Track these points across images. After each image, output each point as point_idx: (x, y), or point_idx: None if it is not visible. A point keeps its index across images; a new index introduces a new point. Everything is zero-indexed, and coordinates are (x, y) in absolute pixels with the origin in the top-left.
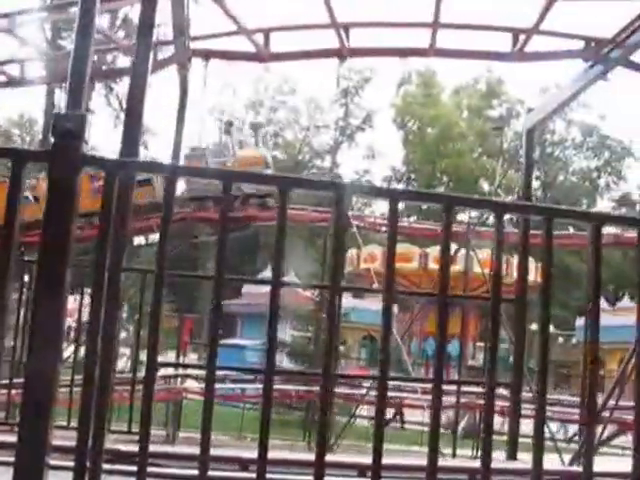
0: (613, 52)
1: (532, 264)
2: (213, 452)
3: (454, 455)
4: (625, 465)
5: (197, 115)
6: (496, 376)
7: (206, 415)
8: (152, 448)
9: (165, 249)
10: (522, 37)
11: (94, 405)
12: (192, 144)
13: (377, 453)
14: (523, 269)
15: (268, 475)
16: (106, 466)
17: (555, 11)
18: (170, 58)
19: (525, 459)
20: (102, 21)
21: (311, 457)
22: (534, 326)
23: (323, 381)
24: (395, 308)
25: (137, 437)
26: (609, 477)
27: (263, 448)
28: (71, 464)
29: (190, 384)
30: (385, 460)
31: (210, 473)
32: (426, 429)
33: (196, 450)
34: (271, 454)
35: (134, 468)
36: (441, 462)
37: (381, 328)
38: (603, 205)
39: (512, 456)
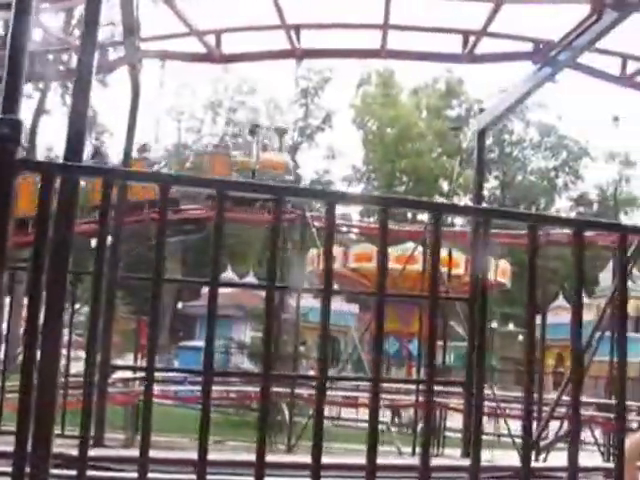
0: (561, 54)
1: (491, 263)
2: (167, 454)
3: (413, 453)
4: (582, 459)
5: (154, 115)
6: (435, 373)
7: (146, 416)
8: (109, 452)
9: (104, 252)
10: (472, 39)
11: (34, 408)
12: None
13: (317, 449)
14: (475, 269)
15: (219, 477)
16: (54, 471)
17: (504, 14)
18: (120, 59)
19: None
20: (57, 21)
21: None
22: (494, 324)
23: (263, 381)
24: (356, 307)
25: (91, 441)
26: (561, 471)
27: (202, 450)
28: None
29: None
30: (335, 459)
31: (161, 476)
32: (385, 427)
33: (155, 453)
34: (221, 455)
35: (91, 472)
36: (399, 460)
37: (320, 327)
38: (561, 204)
39: (467, 453)
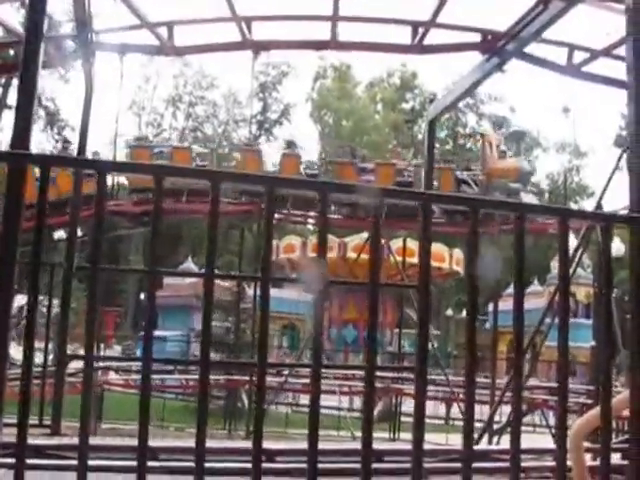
0: (508, 45)
1: (446, 252)
2: (122, 442)
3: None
4: (533, 442)
5: (115, 110)
6: (376, 359)
7: (85, 403)
8: (63, 440)
9: (41, 242)
10: (421, 30)
11: None
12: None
13: (258, 435)
14: (425, 256)
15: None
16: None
17: (453, 5)
18: (73, 52)
19: (430, 439)
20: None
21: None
22: (449, 311)
23: (201, 371)
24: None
25: (49, 430)
26: (504, 453)
27: (143, 439)
28: None
29: (111, 376)
30: (290, 445)
31: (120, 463)
32: (342, 414)
33: (117, 441)
34: (175, 442)
35: (43, 461)
36: (353, 445)
37: (260, 314)
38: None
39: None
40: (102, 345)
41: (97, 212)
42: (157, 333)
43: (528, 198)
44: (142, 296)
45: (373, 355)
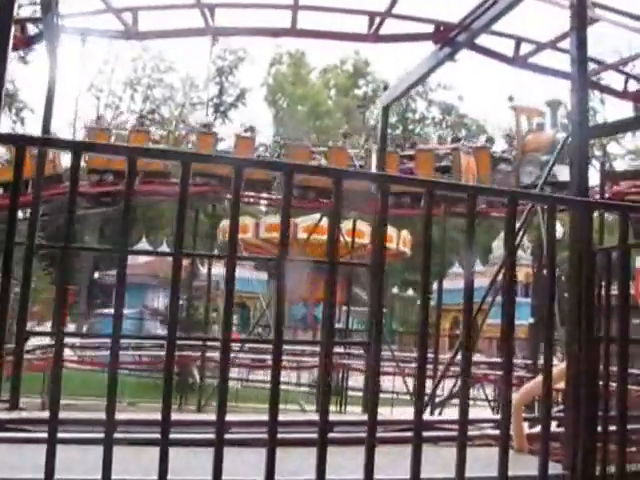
0: (459, 36)
1: (394, 233)
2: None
3: (317, 410)
4: (473, 414)
5: (74, 92)
6: (334, 335)
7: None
8: (22, 414)
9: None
10: (377, 20)
11: None
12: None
13: (222, 408)
14: (379, 236)
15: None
16: None
17: None
18: (38, 35)
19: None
20: None
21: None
22: (395, 289)
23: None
24: (265, 275)
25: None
26: (453, 424)
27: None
28: None
29: (67, 353)
30: (242, 417)
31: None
32: (290, 388)
33: (67, 415)
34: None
35: (2, 434)
36: (303, 417)
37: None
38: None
39: (367, 410)
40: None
41: (71, 192)
42: (112, 311)
43: (562, 170)
44: (96, 275)
45: (330, 331)
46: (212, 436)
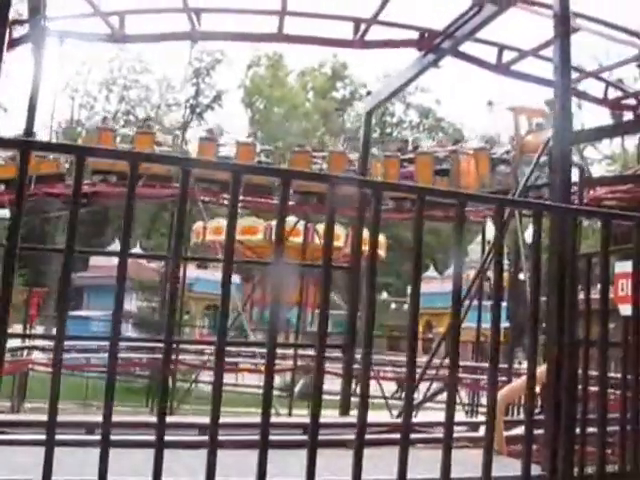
0: (444, 43)
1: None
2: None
3: (290, 414)
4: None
5: (49, 92)
6: (325, 338)
7: None
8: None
9: (19, 225)
10: (363, 26)
11: None
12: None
13: (216, 408)
14: (356, 241)
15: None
16: None
17: (394, 4)
18: (25, 37)
19: (353, 414)
20: None
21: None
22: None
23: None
24: (237, 278)
25: None
26: (429, 426)
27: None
28: None
29: (36, 356)
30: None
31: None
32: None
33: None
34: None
35: None
36: (278, 419)
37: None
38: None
39: (345, 412)
40: (27, 325)
41: (75, 193)
42: (83, 313)
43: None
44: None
45: (323, 334)
46: (188, 438)
